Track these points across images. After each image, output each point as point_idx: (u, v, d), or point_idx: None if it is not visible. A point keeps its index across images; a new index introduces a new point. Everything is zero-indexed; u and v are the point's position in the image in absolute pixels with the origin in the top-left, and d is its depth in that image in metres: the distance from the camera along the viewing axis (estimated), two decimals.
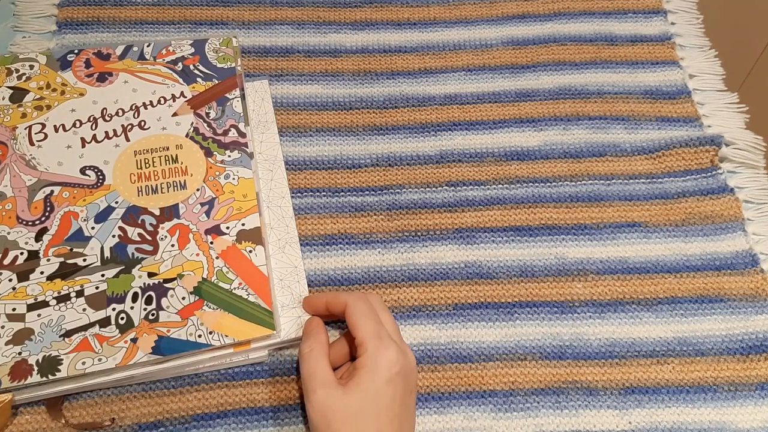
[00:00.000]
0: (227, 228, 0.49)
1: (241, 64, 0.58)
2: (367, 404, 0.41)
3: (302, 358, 0.44)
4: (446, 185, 0.56)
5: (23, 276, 0.47)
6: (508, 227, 0.54)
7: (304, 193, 0.55)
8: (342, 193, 0.56)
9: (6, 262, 0.47)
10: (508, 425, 0.47)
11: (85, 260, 0.47)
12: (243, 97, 0.55)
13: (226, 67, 0.56)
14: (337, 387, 0.41)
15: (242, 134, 0.54)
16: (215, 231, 0.49)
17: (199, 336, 0.45)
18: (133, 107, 0.54)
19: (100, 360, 0.44)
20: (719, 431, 0.47)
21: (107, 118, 0.53)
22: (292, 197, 0.54)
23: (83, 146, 0.52)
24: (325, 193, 0.55)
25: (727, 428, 0.47)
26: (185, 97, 0.55)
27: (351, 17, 0.64)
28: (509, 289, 0.52)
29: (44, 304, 0.46)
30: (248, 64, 0.61)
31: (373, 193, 0.56)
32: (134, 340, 0.45)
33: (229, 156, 0.52)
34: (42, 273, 0.47)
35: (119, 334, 0.45)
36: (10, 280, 0.46)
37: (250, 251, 0.49)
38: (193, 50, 0.57)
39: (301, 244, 0.52)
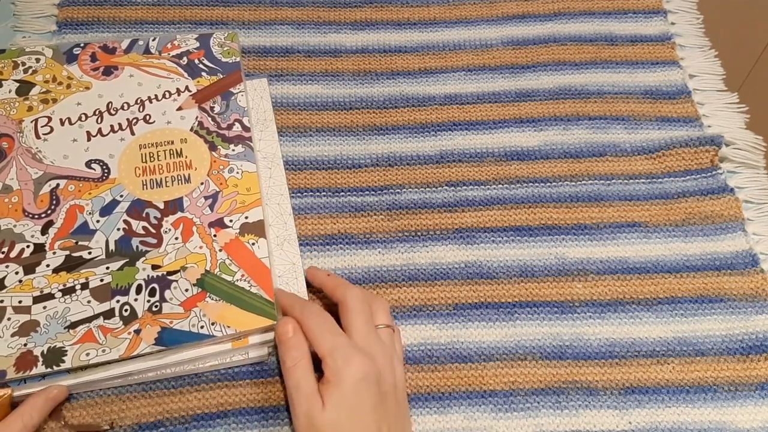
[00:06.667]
0: (230, 221, 0.52)
1: (241, 63, 0.60)
2: (342, 416, 0.43)
3: (288, 371, 0.46)
4: (446, 185, 0.59)
5: (29, 269, 0.49)
6: (508, 227, 0.57)
7: (304, 193, 0.58)
8: (342, 193, 0.58)
9: (12, 254, 0.49)
10: (508, 425, 0.49)
11: (90, 253, 0.50)
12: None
13: (230, 61, 0.59)
14: (319, 400, 0.44)
15: (246, 128, 0.56)
16: (218, 224, 0.52)
17: (202, 327, 0.48)
18: (138, 101, 0.56)
19: (104, 351, 0.46)
20: (719, 431, 0.49)
21: (112, 112, 0.56)
22: (292, 197, 0.57)
23: (89, 140, 0.54)
24: (325, 193, 0.58)
25: (727, 428, 0.49)
26: (190, 91, 0.57)
27: (351, 17, 0.67)
28: (509, 289, 0.54)
29: (50, 296, 0.48)
30: (248, 64, 0.63)
31: (373, 193, 0.58)
32: (138, 332, 0.47)
33: (233, 150, 0.55)
34: (48, 266, 0.49)
35: (123, 326, 0.47)
36: (17, 273, 0.49)
37: (253, 243, 0.51)
38: (198, 44, 0.60)
39: (300, 244, 0.54)
